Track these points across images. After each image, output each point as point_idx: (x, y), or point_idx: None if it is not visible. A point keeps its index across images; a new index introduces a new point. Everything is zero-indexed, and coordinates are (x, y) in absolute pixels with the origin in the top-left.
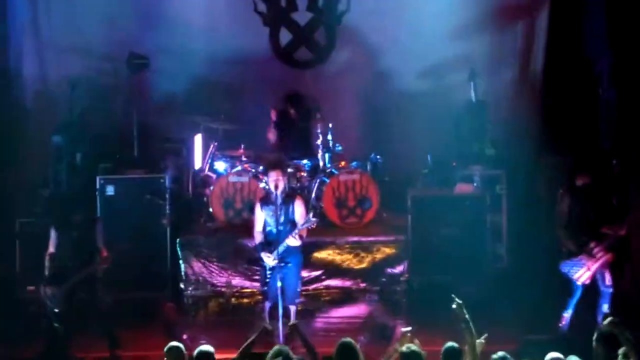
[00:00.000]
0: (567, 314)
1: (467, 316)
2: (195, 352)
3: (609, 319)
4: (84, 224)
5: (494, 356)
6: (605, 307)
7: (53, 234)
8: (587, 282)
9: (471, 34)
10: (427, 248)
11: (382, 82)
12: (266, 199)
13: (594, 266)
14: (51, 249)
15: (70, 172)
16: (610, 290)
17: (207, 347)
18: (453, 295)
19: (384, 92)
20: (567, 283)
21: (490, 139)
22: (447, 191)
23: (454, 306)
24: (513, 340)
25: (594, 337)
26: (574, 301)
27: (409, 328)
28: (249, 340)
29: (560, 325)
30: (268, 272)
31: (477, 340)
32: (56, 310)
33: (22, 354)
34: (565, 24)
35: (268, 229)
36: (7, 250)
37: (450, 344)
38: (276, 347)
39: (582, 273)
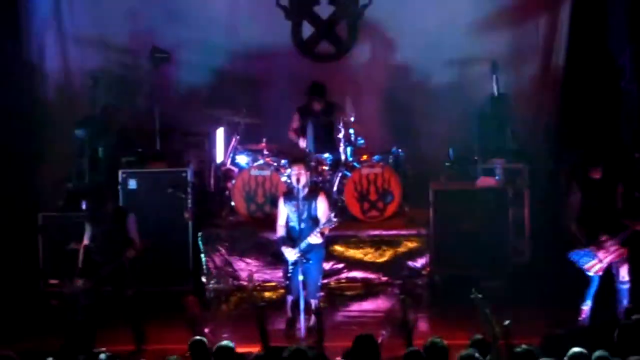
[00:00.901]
0: (586, 307)
1: (487, 311)
2: (215, 347)
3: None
4: (114, 217)
5: (518, 349)
6: (624, 303)
7: (87, 227)
8: (600, 273)
9: (493, 27)
10: (449, 242)
11: (404, 76)
12: (289, 194)
13: (607, 259)
14: (85, 241)
15: (93, 166)
16: (627, 286)
17: (227, 343)
18: (474, 290)
19: (405, 85)
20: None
21: (513, 133)
22: (469, 185)
23: (472, 296)
24: (536, 335)
25: (615, 334)
26: (591, 292)
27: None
28: (261, 333)
29: (580, 319)
30: (290, 267)
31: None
32: (85, 303)
33: (45, 347)
34: (588, 17)
35: (291, 224)
36: (30, 244)
37: (478, 335)
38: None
39: (593, 264)
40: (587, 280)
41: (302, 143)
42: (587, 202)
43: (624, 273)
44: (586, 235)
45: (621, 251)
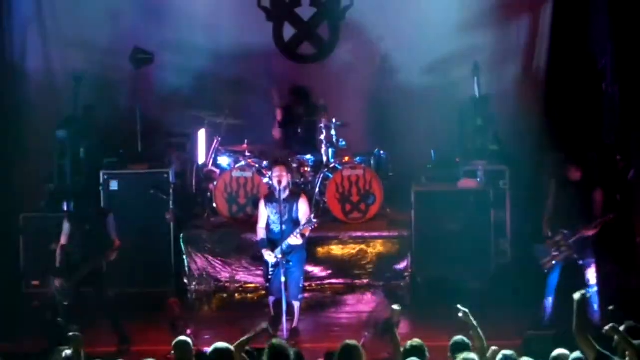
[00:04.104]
0: (548, 302)
1: (474, 323)
2: (212, 348)
3: (610, 325)
4: (96, 217)
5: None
6: (595, 307)
7: (66, 226)
8: (550, 271)
9: (475, 29)
10: (430, 243)
11: (386, 77)
12: (270, 197)
13: (558, 258)
14: (63, 240)
15: (75, 167)
16: (594, 289)
17: (224, 344)
18: (459, 306)
19: (387, 87)
20: (570, 278)
21: (494, 134)
22: (450, 186)
23: (460, 315)
24: (517, 336)
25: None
26: (551, 288)
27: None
28: (246, 337)
29: (540, 313)
30: (271, 269)
31: (492, 348)
32: (65, 303)
33: (27, 349)
34: (570, 19)
35: (271, 226)
36: (12, 245)
37: (458, 337)
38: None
39: (546, 261)
40: (572, 281)
41: (276, 133)
42: (560, 201)
43: (589, 276)
44: (549, 231)
45: (568, 253)
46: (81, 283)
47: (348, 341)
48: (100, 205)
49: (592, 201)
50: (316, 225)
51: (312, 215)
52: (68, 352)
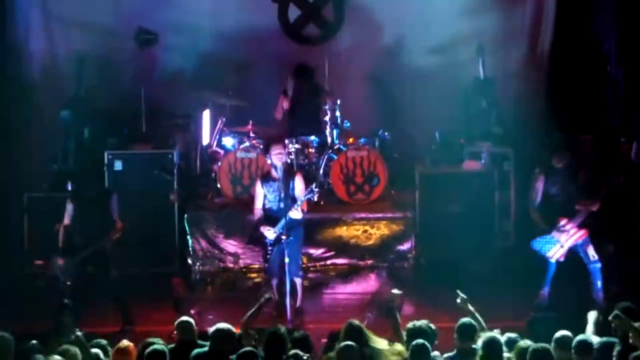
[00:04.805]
0: (544, 291)
1: (472, 309)
2: (213, 328)
3: (615, 312)
4: (99, 198)
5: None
6: (599, 284)
7: (69, 207)
8: (562, 259)
9: (480, 11)
10: (434, 225)
11: (391, 59)
12: (267, 176)
13: (568, 242)
14: (66, 221)
15: (78, 147)
16: (598, 265)
17: (226, 325)
18: (458, 291)
19: (392, 68)
20: (573, 261)
21: (498, 116)
22: (455, 168)
23: (458, 301)
24: (520, 318)
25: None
26: (549, 277)
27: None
28: (250, 312)
29: (537, 301)
30: (269, 248)
31: (495, 330)
32: (68, 283)
33: (31, 329)
34: (574, 1)
35: (269, 205)
36: (16, 224)
37: (465, 319)
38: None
39: (555, 250)
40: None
41: (278, 114)
42: (551, 190)
43: (592, 252)
44: (544, 221)
45: (580, 233)
46: (85, 263)
47: (352, 321)
48: (103, 185)
49: (580, 183)
50: (317, 196)
51: (313, 185)
52: (79, 333)
